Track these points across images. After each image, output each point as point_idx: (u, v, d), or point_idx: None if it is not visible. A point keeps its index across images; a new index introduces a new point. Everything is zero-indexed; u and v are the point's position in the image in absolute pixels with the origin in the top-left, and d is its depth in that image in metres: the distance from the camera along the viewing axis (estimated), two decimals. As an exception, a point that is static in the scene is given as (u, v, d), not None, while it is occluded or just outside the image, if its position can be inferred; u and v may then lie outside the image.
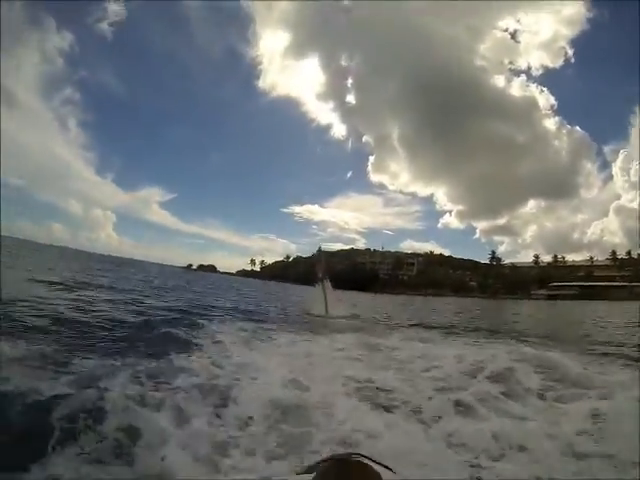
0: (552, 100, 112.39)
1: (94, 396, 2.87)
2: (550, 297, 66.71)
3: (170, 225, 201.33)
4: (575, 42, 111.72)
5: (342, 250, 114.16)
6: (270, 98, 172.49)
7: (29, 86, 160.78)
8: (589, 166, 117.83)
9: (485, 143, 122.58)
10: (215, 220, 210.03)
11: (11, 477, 2.07)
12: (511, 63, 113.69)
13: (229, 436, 2.82)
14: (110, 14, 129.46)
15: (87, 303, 8.52)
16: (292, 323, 10.79)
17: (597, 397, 4.01)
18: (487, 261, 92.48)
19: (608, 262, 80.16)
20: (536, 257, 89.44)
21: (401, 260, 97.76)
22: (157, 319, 7.68)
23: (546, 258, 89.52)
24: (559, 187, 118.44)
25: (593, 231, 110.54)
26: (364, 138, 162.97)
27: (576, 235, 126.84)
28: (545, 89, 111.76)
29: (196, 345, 5.73)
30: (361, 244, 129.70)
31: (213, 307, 12.32)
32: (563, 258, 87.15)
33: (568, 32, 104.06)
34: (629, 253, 77.74)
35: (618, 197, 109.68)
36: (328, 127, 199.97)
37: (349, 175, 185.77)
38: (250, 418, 3.13)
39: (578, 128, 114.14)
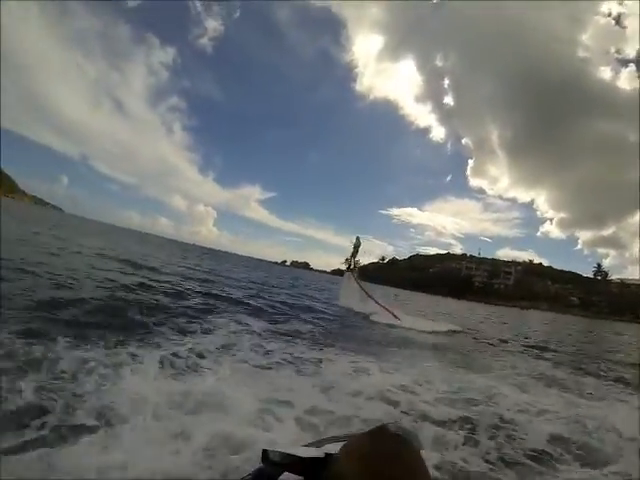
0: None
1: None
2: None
3: (268, 222, 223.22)
4: None
5: (438, 254, 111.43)
6: (368, 101, 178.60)
7: (138, 96, 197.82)
8: None
9: (591, 144, 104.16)
10: (314, 219, 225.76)
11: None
12: (617, 52, 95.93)
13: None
14: (209, 30, 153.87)
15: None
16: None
17: None
18: (591, 275, 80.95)
19: None
20: (647, 274, 72.73)
21: (498, 268, 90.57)
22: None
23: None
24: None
25: None
26: (463, 140, 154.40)
27: None
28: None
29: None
30: (457, 249, 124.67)
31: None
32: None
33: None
34: None
35: None
36: (427, 129, 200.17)
37: (448, 179, 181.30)
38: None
39: None
